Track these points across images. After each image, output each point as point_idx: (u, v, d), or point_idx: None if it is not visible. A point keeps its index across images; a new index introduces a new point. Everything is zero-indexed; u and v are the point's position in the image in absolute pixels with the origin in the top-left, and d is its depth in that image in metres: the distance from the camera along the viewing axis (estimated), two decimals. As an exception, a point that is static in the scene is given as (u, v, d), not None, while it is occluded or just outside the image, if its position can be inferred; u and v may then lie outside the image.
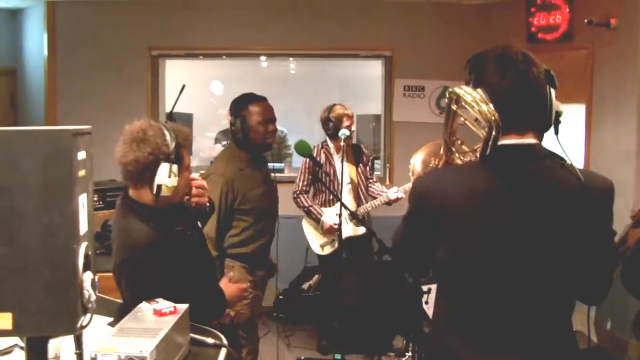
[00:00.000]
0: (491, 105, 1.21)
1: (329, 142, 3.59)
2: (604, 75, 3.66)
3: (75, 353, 1.10)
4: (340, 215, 2.97)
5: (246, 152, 2.52)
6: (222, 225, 2.41)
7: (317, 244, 3.56)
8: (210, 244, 2.25)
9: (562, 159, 1.25)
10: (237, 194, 2.43)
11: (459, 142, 1.41)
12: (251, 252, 2.51)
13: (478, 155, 1.30)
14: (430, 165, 1.78)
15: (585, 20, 3.52)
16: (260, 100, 2.53)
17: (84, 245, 0.97)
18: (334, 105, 3.55)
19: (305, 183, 3.53)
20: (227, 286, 1.95)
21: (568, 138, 1.33)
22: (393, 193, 3.46)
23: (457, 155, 1.40)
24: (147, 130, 1.64)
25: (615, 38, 3.49)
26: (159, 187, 1.62)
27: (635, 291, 2.03)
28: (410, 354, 3.36)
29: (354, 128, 3.60)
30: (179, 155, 1.66)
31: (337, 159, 3.49)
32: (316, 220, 3.50)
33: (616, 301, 3.21)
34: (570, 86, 3.74)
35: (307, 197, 3.55)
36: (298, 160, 4.80)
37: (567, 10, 3.84)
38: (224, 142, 5.47)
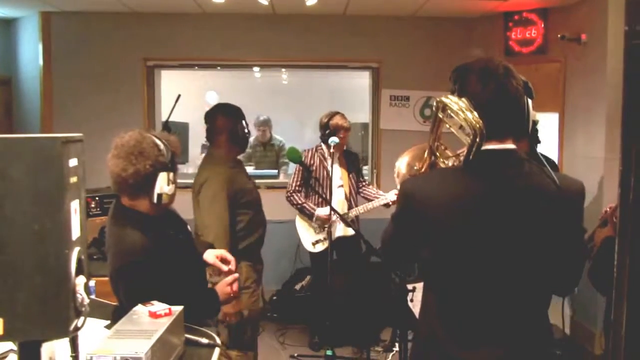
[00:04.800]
0: (476, 113, 1.22)
1: (323, 146, 3.54)
2: (575, 86, 3.69)
3: (71, 356, 1.06)
4: (329, 217, 2.95)
5: (233, 154, 2.61)
6: (232, 222, 2.45)
7: (310, 241, 3.52)
8: (223, 245, 2.29)
9: (538, 163, 1.27)
10: (238, 189, 2.49)
11: (443, 147, 1.42)
12: (255, 240, 2.56)
13: (461, 160, 1.30)
14: (415, 168, 1.77)
15: (559, 35, 3.55)
16: None
17: (76, 251, 0.94)
18: (336, 114, 3.47)
19: (297, 183, 3.50)
20: (222, 287, 1.92)
21: (543, 144, 1.33)
22: (393, 195, 3.35)
23: (441, 159, 1.40)
24: (141, 142, 1.58)
25: (586, 52, 3.52)
26: (160, 195, 1.58)
27: (601, 287, 2.06)
28: (397, 348, 3.33)
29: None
30: (174, 163, 1.63)
31: (330, 163, 3.46)
32: (310, 216, 3.46)
33: (587, 297, 3.25)
34: (544, 96, 3.76)
35: (300, 196, 3.51)
36: (293, 167, 4.76)
37: (542, 25, 3.88)
38: None
